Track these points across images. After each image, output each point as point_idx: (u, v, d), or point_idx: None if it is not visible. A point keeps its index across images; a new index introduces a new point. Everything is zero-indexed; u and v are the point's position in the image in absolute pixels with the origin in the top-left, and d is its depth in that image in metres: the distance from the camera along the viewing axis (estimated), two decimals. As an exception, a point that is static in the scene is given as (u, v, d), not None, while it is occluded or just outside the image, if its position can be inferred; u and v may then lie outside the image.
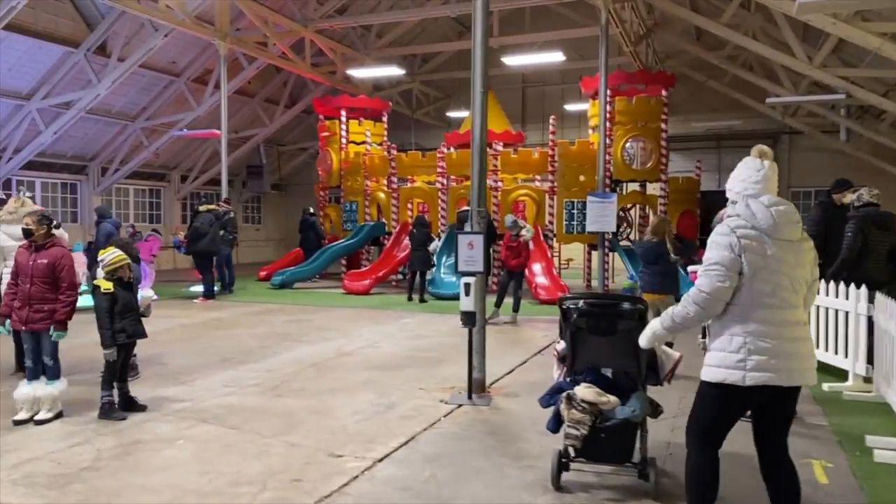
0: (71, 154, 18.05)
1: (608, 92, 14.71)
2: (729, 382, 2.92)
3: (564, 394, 3.74)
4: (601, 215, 11.30)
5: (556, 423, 3.79)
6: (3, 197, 8.84)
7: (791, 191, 21.18)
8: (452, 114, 22.82)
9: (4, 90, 14.53)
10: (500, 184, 14.78)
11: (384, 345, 8.30)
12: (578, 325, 3.75)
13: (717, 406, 3.06)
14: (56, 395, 5.16)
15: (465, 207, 12.72)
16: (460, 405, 5.51)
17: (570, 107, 21.30)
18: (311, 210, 17.08)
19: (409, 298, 12.85)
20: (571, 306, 3.79)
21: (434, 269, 13.79)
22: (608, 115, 14.81)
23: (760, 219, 2.99)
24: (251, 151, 22.85)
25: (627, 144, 14.69)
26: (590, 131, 15.89)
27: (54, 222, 5.35)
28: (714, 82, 19.48)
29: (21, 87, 14.99)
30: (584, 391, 3.70)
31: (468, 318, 5.60)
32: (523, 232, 10.25)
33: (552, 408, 3.86)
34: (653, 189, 16.04)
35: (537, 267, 13.52)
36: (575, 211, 14.65)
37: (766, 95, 18.78)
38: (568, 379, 3.96)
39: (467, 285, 5.52)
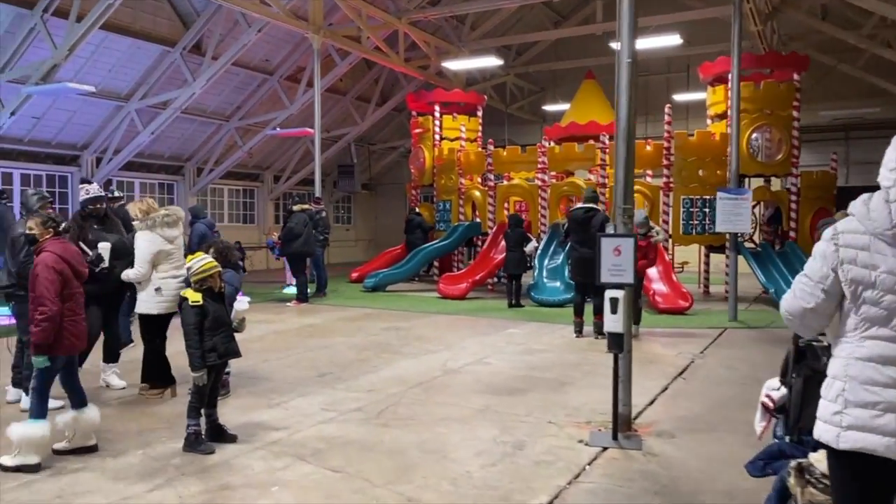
0: (168, 154, 18.13)
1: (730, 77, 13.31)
2: (824, 441, 2.18)
3: (794, 463, 2.68)
4: (734, 213, 9.95)
5: (780, 502, 2.74)
6: (113, 194, 8.51)
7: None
8: (549, 107, 21.67)
9: (105, 91, 14.58)
10: (606, 179, 13.57)
11: (494, 361, 7.37)
12: (817, 369, 2.69)
13: (838, 480, 2.22)
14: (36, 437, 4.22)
15: (580, 205, 11.63)
16: (605, 448, 4.50)
17: (679, 97, 19.70)
18: (417, 209, 16.38)
19: (511, 304, 11.90)
20: (816, 345, 2.73)
21: (535, 272, 12.77)
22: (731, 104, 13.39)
23: (876, 218, 2.10)
24: (342, 151, 22.49)
25: (754, 135, 13.16)
26: (708, 122, 14.42)
27: (62, 225, 4.63)
28: (845, 66, 17.47)
29: (121, 88, 15.02)
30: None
31: (615, 342, 4.58)
32: (653, 232, 9.14)
33: (768, 476, 2.82)
34: (781, 184, 14.45)
35: (653, 272, 12.24)
36: (694, 209, 13.28)
37: (907, 79, 16.76)
38: (788, 438, 2.90)
39: (614, 301, 4.50)
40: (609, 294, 4.54)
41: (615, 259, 4.51)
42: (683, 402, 5.69)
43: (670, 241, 13.47)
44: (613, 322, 4.54)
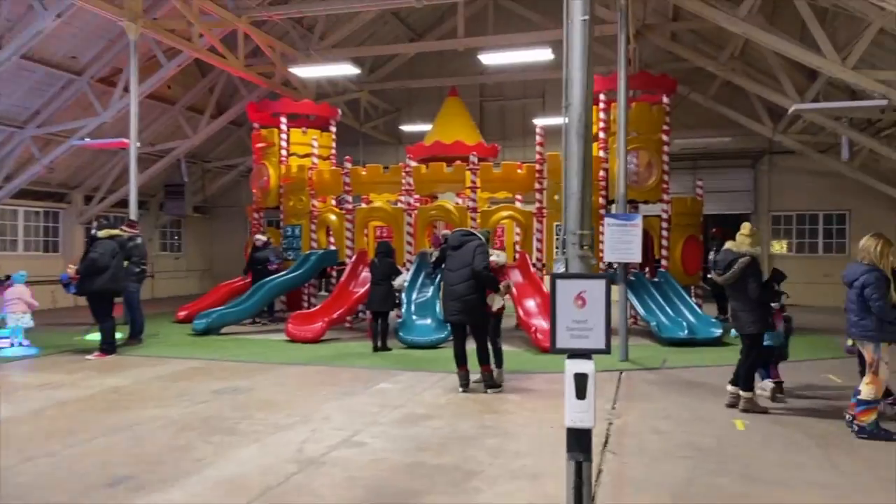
0: (-65, 167, 14.50)
1: (602, 98, 12.63)
2: None
3: None
4: (623, 241, 8.94)
5: None
6: None
7: (771, 214, 19.68)
8: (406, 127, 20.27)
9: None
10: (476, 203, 12.27)
11: (369, 439, 5.54)
12: None
13: None
14: None
15: (447, 231, 10.12)
16: None
17: (540, 121, 19.10)
18: (266, 237, 13.93)
19: (376, 347, 10.11)
20: None
21: (403, 309, 11.09)
22: (603, 125, 12.69)
23: None
24: (171, 168, 19.57)
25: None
26: (577, 144, 13.62)
27: None
28: (697, 95, 17.70)
29: None
30: None
31: (577, 442, 2.98)
32: (493, 256, 7.81)
33: None
34: (649, 210, 13.95)
35: (532, 305, 11.04)
36: (568, 237, 12.30)
37: (754, 110, 17.23)
38: None
39: (580, 379, 2.91)
40: (570, 367, 2.95)
41: (578, 312, 2.93)
42: (637, 498, 4.22)
43: (542, 271, 12.41)
44: (577, 412, 2.94)
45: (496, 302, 7.34)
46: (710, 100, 17.41)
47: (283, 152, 14.56)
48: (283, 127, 14.60)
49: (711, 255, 11.57)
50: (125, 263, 10.12)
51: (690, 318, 11.37)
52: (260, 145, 14.86)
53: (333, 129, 15.42)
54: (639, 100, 12.82)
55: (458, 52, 19.72)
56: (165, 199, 20.13)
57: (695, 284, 13.09)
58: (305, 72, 14.01)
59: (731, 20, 11.45)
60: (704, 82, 17.25)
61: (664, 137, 12.63)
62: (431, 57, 20.94)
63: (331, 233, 13.56)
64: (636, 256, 9.06)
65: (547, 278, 12.12)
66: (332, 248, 13.37)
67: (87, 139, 14.90)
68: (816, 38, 10.88)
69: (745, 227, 6.88)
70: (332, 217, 13.21)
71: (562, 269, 3.41)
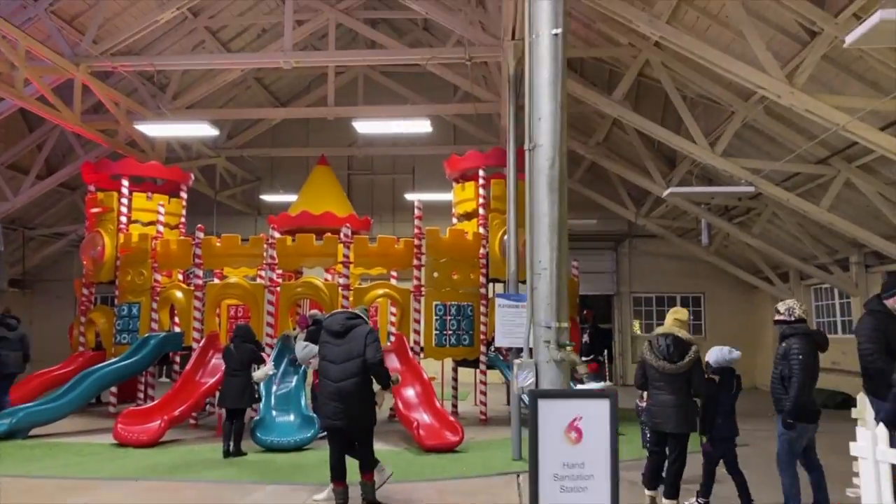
0: None
1: (481, 174, 12.19)
2: None
3: None
4: (515, 324, 8.19)
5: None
6: None
7: (633, 296, 20.14)
8: (267, 197, 18.84)
9: None
10: (348, 280, 11.12)
11: None
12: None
13: None
14: None
15: (316, 311, 8.97)
16: None
17: (412, 196, 18.50)
18: (11, 314, 11.67)
19: (228, 452, 8.45)
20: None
21: (261, 404, 9.51)
22: (483, 202, 12.18)
23: None
24: (-18, 234, 16.76)
25: (506, 237, 11.97)
26: (454, 221, 13.03)
27: None
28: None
29: None
30: None
31: None
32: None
33: None
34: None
35: (412, 394, 9.89)
36: (447, 317, 11.44)
37: (617, 194, 17.70)
38: None
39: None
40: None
41: (572, 450, 1.92)
42: None
43: (421, 355, 11.39)
44: None
45: (386, 400, 6.19)
46: (577, 182, 17.69)
47: (123, 219, 12.69)
48: (125, 190, 12.78)
49: (585, 339, 10.93)
50: None
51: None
52: (95, 210, 12.87)
53: (184, 195, 13.77)
54: (520, 177, 12.48)
55: (324, 123, 18.93)
56: (-28, 270, 17.06)
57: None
58: (154, 129, 12.38)
59: (611, 105, 11.51)
60: (571, 165, 17.56)
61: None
62: (296, 126, 19.94)
63: (176, 313, 11.75)
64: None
65: (424, 363, 11.10)
66: (177, 330, 11.56)
67: None
68: (688, 125, 11.12)
69: (681, 312, 6.35)
70: (178, 294, 11.46)
71: (529, 380, 2.41)
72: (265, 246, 11.12)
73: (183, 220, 13.74)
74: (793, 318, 5.76)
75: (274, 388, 9.87)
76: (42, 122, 15.17)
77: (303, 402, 9.51)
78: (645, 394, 6.48)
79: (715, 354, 6.31)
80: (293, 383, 9.96)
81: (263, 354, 9.33)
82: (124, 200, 12.77)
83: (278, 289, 11.02)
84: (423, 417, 9.20)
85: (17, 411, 9.69)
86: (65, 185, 17.06)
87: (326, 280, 12.08)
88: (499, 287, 14.62)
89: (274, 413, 9.46)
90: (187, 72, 15.99)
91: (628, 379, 19.63)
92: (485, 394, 11.68)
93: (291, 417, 9.40)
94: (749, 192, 11.06)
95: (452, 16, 11.88)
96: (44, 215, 18.50)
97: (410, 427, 8.91)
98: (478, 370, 11.82)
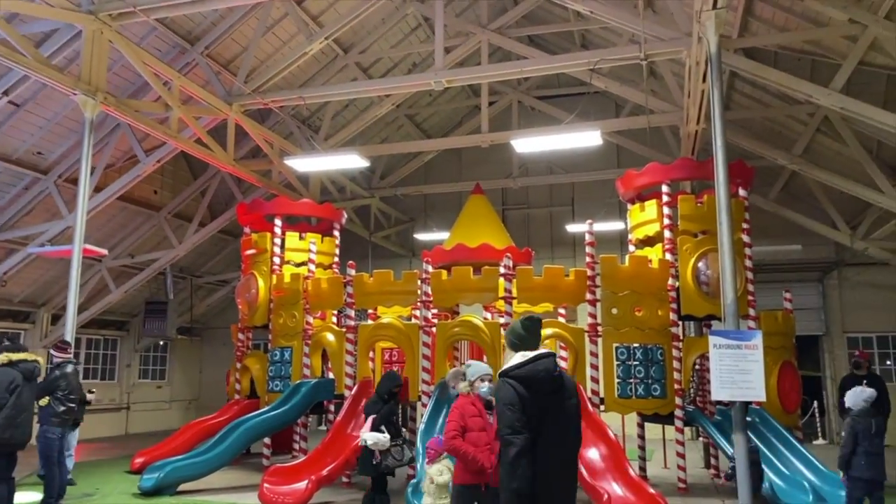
0: None
1: (665, 189, 10.31)
2: None
3: None
4: (740, 370, 6.21)
5: None
6: None
7: (847, 336, 16.82)
8: (422, 236, 17.98)
9: None
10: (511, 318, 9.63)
11: None
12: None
13: None
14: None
15: (475, 362, 7.32)
16: None
17: (573, 227, 16.84)
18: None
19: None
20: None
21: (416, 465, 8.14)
22: (668, 223, 10.26)
23: None
24: (155, 283, 17.32)
25: (699, 264, 9.96)
26: (631, 248, 11.19)
27: None
28: (756, 197, 15.46)
29: None
30: None
31: None
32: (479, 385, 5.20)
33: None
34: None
35: (595, 457, 8.06)
36: (633, 362, 9.54)
37: (824, 214, 14.88)
38: None
39: None
40: None
41: None
42: None
43: (600, 407, 9.55)
44: None
45: None
46: (772, 202, 15.12)
47: (276, 259, 12.18)
48: (277, 230, 12.31)
49: (852, 396, 7.77)
50: (44, 401, 7.46)
51: (811, 475, 8.35)
52: (249, 252, 12.53)
53: (337, 234, 13.10)
54: (711, 192, 10.45)
55: (478, 157, 17.98)
56: (145, 318, 17.62)
57: (794, 426, 10.13)
58: (305, 164, 11.78)
59: (824, 92, 9.27)
60: (763, 183, 15.04)
61: (745, 238, 10.15)
62: (449, 162, 19.17)
63: (328, 357, 10.87)
64: (759, 391, 6.25)
65: (606, 416, 9.25)
66: (330, 376, 10.64)
67: (48, 245, 12.64)
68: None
69: None
70: (330, 336, 10.56)
71: None
72: (419, 282, 9.96)
73: (336, 259, 13.07)
74: None
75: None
76: (204, 169, 15.44)
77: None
78: None
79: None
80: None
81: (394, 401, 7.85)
82: (277, 241, 12.29)
83: (434, 329, 9.76)
84: (615, 488, 7.35)
85: (165, 465, 9.06)
86: (228, 233, 17.29)
87: (486, 319, 10.68)
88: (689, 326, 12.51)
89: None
90: (339, 113, 15.73)
91: (848, 437, 16.25)
92: (683, 456, 9.55)
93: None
94: None
95: (621, 11, 10.31)
96: (210, 263, 18.93)
97: (599, 500, 7.10)
98: (672, 426, 9.72)
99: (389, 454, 7.10)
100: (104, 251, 12.04)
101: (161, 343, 19.20)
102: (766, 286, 15.74)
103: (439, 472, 5.48)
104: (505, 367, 4.03)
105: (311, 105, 15.55)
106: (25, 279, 14.63)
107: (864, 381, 8.03)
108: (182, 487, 9.03)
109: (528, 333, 4.12)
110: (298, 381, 10.54)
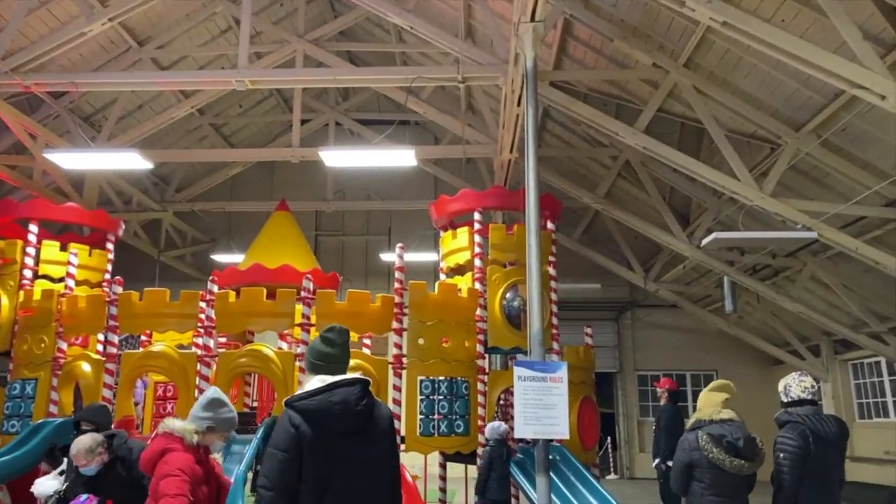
0: None
1: (477, 217, 9.98)
2: None
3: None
4: (544, 405, 5.70)
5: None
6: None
7: (638, 374, 17.79)
8: (222, 258, 16.32)
9: None
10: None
11: None
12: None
13: None
14: None
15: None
16: None
17: (388, 256, 16.21)
18: None
19: None
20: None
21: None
22: (479, 251, 9.90)
23: None
24: None
25: (507, 295, 9.66)
26: (442, 276, 10.69)
27: None
28: (560, 235, 15.88)
29: None
30: None
31: None
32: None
33: None
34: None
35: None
36: (437, 396, 8.90)
37: (621, 255, 15.65)
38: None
39: None
40: None
41: None
42: None
43: (402, 446, 8.77)
44: None
45: None
46: (575, 241, 15.61)
47: (28, 272, 10.10)
48: (32, 238, 10.25)
49: (490, 430, 8.51)
50: None
51: (611, 516, 8.14)
52: (-7, 262, 10.27)
53: (111, 246, 11.25)
54: (521, 224, 10.26)
55: (291, 176, 16.89)
56: None
57: (592, 462, 10.07)
58: (70, 160, 9.83)
59: (629, 130, 9.51)
60: (567, 224, 15.52)
61: (551, 271, 10.05)
62: (259, 180, 17.85)
63: (80, 392, 9.03)
64: (563, 427, 5.80)
65: (405, 458, 8.44)
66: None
67: None
68: (730, 161, 9.12)
69: (731, 387, 4.81)
70: (85, 367, 8.77)
71: None
72: (201, 304, 8.60)
73: (108, 277, 11.17)
74: (788, 399, 4.60)
75: None
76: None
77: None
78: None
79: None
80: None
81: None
82: (30, 250, 10.21)
83: (215, 359, 8.43)
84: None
85: None
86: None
87: (279, 349, 9.54)
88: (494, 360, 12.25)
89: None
90: (130, 113, 13.91)
91: (636, 470, 17.04)
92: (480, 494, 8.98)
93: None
94: (809, 239, 8.98)
95: (440, 31, 9.97)
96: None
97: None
98: (475, 465, 9.16)
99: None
100: None
101: None
102: (566, 323, 16.14)
103: None
104: (291, 395, 3.10)
105: (96, 102, 13.62)
106: None
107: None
108: None
109: (331, 347, 3.20)
110: (40, 421, 8.60)
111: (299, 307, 8.60)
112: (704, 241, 9.33)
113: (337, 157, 9.55)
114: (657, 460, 8.44)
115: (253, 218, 17.26)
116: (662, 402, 8.70)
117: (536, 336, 6.13)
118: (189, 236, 17.39)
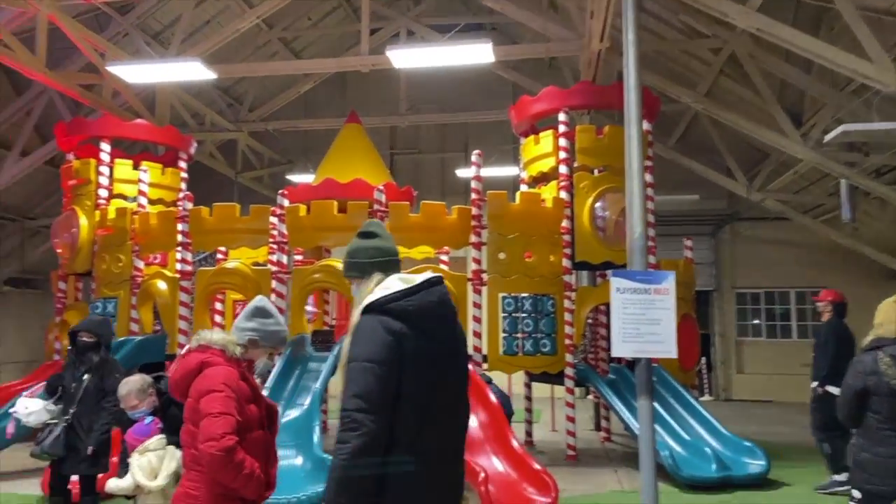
0: None
1: (562, 118, 9.01)
2: None
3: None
4: (648, 320, 4.98)
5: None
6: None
7: (736, 292, 16.58)
8: (300, 178, 15.98)
9: None
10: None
11: None
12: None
13: None
14: None
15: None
16: None
17: (464, 172, 15.46)
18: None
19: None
20: None
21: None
22: (565, 156, 8.99)
23: None
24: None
25: (597, 205, 8.78)
26: (523, 187, 9.88)
27: None
28: (656, 145, 14.60)
29: None
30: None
31: None
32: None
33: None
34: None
35: (472, 426, 6.73)
36: (520, 314, 8.29)
37: (721, 166, 14.26)
38: None
39: None
40: None
41: None
42: None
43: (484, 365, 8.27)
44: None
45: None
46: (669, 150, 14.31)
47: (103, 192, 10.01)
48: (105, 157, 10.10)
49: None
50: None
51: (712, 440, 7.44)
52: (71, 183, 10.26)
53: (184, 165, 11.01)
54: (613, 125, 9.23)
55: (364, 92, 16.18)
56: (-40, 266, 14.81)
57: (691, 384, 9.33)
58: (134, 73, 9.46)
59: (741, 10, 8.18)
60: (662, 130, 14.17)
61: (647, 177, 9.04)
62: (331, 96, 17.22)
63: (159, 310, 8.96)
64: (669, 346, 5.06)
65: (488, 376, 7.95)
66: (158, 331, 8.78)
67: None
68: (863, 41, 7.70)
69: None
70: (161, 285, 8.63)
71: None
72: (272, 220, 8.20)
73: (182, 194, 11.00)
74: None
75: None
76: (29, 86, 12.76)
77: (316, 438, 6.48)
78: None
79: None
80: (304, 407, 6.94)
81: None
82: (104, 169, 10.09)
83: (289, 276, 8.07)
84: (494, 464, 6.06)
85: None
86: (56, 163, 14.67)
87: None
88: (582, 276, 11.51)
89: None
90: (198, 29, 13.42)
91: (733, 392, 16.14)
92: (573, 420, 8.45)
93: (299, 461, 6.37)
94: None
95: None
96: (46, 203, 16.14)
97: (474, 479, 5.77)
98: (562, 386, 8.58)
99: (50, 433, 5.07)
100: None
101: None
102: (660, 239, 15.13)
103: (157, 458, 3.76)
104: (371, 298, 2.33)
105: (164, 18, 13.21)
106: None
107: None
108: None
109: (383, 241, 2.50)
110: (120, 339, 8.59)
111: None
112: (829, 136, 8.07)
113: (407, 57, 8.72)
114: (814, 384, 7.19)
115: (329, 138, 16.73)
116: (824, 317, 7.43)
117: (638, 242, 5.32)
118: (266, 157, 17.16)
